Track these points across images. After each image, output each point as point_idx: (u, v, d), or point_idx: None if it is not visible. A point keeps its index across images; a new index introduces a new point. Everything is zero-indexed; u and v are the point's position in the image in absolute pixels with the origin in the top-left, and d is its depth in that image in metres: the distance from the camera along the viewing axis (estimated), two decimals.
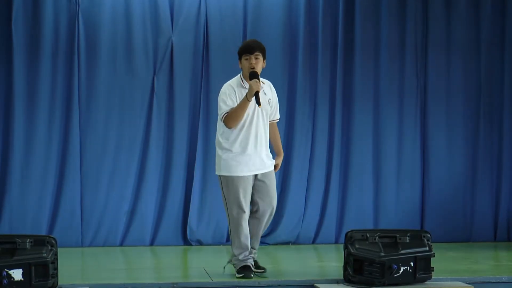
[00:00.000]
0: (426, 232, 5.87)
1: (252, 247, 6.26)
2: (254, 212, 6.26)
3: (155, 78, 8.73)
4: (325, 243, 8.86)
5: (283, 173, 8.83)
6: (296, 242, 8.84)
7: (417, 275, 5.73)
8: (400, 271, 5.67)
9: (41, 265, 5.33)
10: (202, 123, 8.74)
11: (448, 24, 9.17)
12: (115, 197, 8.61)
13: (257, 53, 6.14)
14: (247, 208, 6.15)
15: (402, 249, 5.70)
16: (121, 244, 8.63)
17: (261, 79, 6.20)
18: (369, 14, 9.02)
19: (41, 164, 8.48)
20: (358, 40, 9.00)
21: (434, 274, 5.82)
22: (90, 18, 8.61)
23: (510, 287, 6.07)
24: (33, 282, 5.30)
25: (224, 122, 6.12)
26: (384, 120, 9.05)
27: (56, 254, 5.43)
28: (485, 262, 7.57)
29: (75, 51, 8.56)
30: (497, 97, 9.22)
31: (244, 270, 6.10)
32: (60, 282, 5.51)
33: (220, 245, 8.68)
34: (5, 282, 5.24)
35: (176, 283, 5.86)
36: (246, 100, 6.02)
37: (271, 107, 6.28)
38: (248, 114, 6.11)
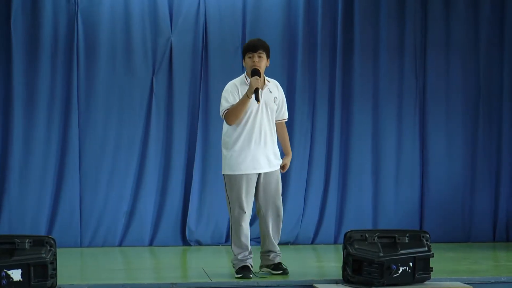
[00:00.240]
0: (425, 232, 5.87)
1: (270, 250, 6.24)
2: (258, 211, 6.26)
3: (154, 78, 8.73)
4: (324, 243, 8.86)
5: (282, 173, 8.82)
6: (295, 242, 8.84)
7: (416, 275, 5.73)
8: (399, 272, 5.67)
9: (40, 266, 5.32)
10: (201, 123, 8.74)
11: (447, 24, 9.17)
12: (114, 197, 8.61)
13: (260, 51, 6.15)
14: (248, 208, 6.13)
15: (401, 250, 5.70)
16: (120, 245, 8.63)
17: (266, 78, 6.23)
18: (368, 14, 9.02)
19: (40, 164, 8.48)
20: (357, 40, 9.00)
21: (433, 274, 5.82)
22: (89, 18, 8.61)
23: (509, 287, 6.06)
24: (32, 283, 5.29)
25: (224, 118, 6.12)
26: (383, 120, 9.06)
27: (55, 255, 5.42)
28: (484, 262, 7.57)
29: (74, 51, 8.56)
30: (496, 97, 9.22)
31: (243, 271, 6.10)
32: (59, 283, 5.50)
33: (219, 245, 8.68)
34: (4, 282, 5.23)
35: (175, 284, 5.85)
36: (246, 96, 6.02)
37: (277, 105, 6.27)
38: (252, 112, 6.10)
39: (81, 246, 8.53)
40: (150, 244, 8.69)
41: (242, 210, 6.11)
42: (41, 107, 8.50)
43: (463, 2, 9.16)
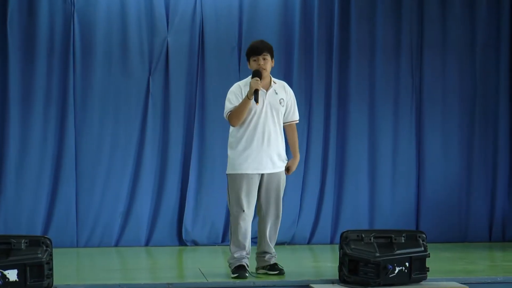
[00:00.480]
0: (421, 232, 5.87)
1: (265, 251, 6.25)
2: (258, 211, 6.27)
3: (150, 78, 8.72)
4: (320, 243, 8.85)
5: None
6: (291, 242, 8.84)
7: (412, 276, 5.73)
8: (395, 272, 5.67)
9: (36, 266, 5.32)
10: (198, 124, 8.73)
11: (444, 24, 9.17)
12: (110, 198, 8.60)
13: (264, 53, 6.17)
14: (248, 208, 6.14)
15: (397, 250, 5.70)
16: (116, 245, 8.62)
17: (273, 79, 6.26)
18: (364, 14, 9.02)
19: (36, 165, 8.47)
20: (353, 40, 9.00)
21: (429, 275, 5.82)
22: (85, 18, 8.60)
23: (505, 287, 6.07)
24: (28, 283, 5.29)
25: (228, 119, 6.17)
26: (379, 120, 9.06)
27: (51, 255, 5.42)
28: (480, 262, 7.58)
29: (70, 51, 8.55)
30: (492, 97, 9.23)
31: (239, 270, 6.10)
32: (55, 283, 5.50)
33: (215, 245, 8.68)
34: (0, 282, 5.23)
35: (171, 284, 5.85)
36: (246, 98, 6.04)
37: (283, 107, 6.25)
38: (255, 113, 6.12)
39: (77, 246, 8.52)
40: (147, 244, 8.69)
41: (240, 209, 6.11)
42: (37, 107, 8.49)
43: (459, 3, 9.17)
